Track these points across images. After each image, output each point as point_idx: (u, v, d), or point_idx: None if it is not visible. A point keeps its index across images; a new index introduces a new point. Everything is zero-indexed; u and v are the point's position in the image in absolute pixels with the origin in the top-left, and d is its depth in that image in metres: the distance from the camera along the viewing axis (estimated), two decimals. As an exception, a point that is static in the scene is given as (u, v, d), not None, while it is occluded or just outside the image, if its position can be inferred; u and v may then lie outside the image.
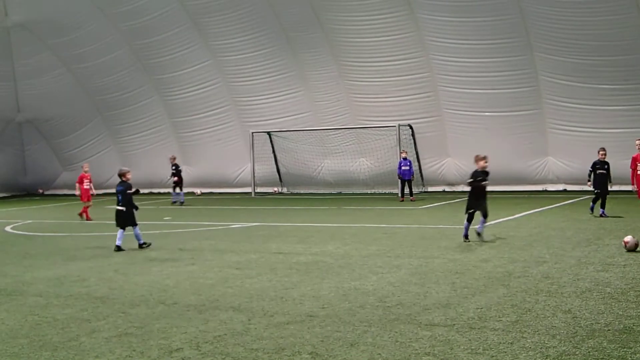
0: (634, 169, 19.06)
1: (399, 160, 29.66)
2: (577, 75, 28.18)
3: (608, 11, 26.39)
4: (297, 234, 18.30)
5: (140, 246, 16.36)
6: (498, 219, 19.90)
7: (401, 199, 29.01)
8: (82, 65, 37.53)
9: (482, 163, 16.00)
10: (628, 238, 13.49)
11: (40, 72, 38.52)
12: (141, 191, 21.05)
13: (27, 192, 43.21)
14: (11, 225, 23.36)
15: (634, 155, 18.73)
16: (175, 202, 31.26)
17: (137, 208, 16.80)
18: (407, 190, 29.05)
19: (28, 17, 36.49)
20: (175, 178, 31.26)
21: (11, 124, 40.93)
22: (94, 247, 17.02)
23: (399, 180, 29.48)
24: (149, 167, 39.06)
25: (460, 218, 20.77)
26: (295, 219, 22.81)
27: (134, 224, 16.56)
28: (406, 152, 29.84)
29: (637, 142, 18.23)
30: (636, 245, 13.29)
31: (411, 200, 28.32)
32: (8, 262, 14.98)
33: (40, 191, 42.83)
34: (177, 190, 31.34)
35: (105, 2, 34.70)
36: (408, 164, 29.18)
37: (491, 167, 33.57)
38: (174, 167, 31.62)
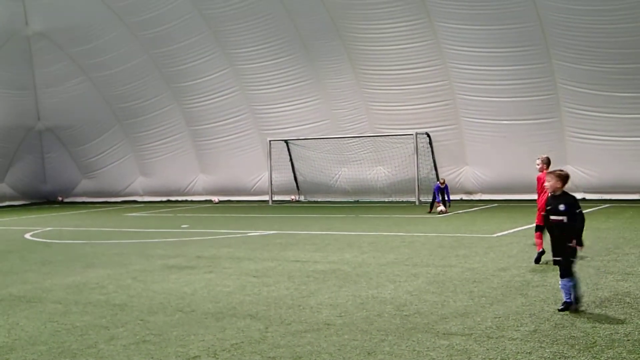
0: (540, 193, 14.18)
1: (436, 184, 27.81)
2: (596, 83, 28.03)
3: (627, 19, 26.25)
4: (314, 242, 18.30)
5: None
6: (516, 228, 19.81)
7: (430, 211, 27.19)
8: (102, 74, 37.80)
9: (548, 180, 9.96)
10: None
11: (60, 80, 38.84)
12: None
13: (46, 199, 43.51)
14: (31, 233, 23.52)
15: (538, 175, 14.36)
16: None
17: None
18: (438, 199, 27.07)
19: (48, 26, 36.84)
20: None
21: (31, 132, 41.26)
22: (113, 254, 17.09)
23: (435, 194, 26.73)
24: (167, 175, 39.26)
25: (478, 226, 20.74)
26: (313, 227, 22.81)
27: None
28: (445, 180, 27.94)
29: (538, 161, 14.52)
30: None
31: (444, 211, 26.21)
32: (27, 269, 15.08)
33: (60, 199, 43.12)
34: None
35: (124, 11, 34.95)
36: (446, 191, 27.10)
37: (509, 175, 33.37)
38: None
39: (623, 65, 27.25)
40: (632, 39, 26.54)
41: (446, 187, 26.82)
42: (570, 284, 9.41)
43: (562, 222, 9.46)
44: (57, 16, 36.28)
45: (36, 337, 9.04)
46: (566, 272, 9.44)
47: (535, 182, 14.31)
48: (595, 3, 26.41)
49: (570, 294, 9.40)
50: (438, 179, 30.41)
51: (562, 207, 9.43)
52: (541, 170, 14.12)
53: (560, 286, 9.59)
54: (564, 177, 9.68)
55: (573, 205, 9.48)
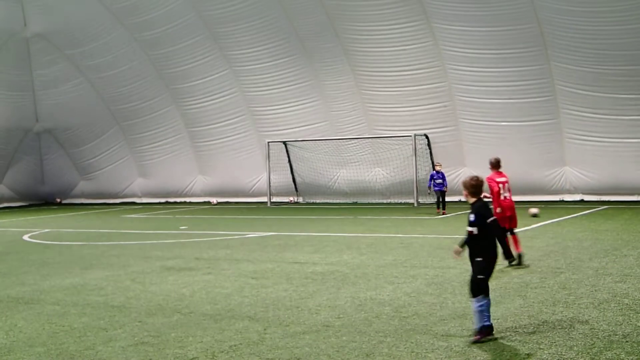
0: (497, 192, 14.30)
1: (431, 172, 28.22)
2: (595, 84, 28.04)
3: (625, 20, 26.26)
4: (313, 243, 18.30)
5: None
6: (515, 230, 19.77)
7: (438, 210, 27.03)
8: (100, 75, 37.80)
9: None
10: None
11: (58, 82, 38.85)
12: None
13: (45, 201, 43.49)
14: (29, 234, 23.51)
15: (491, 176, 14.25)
16: None
17: None
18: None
19: (47, 27, 36.84)
20: None
21: (30, 134, 41.24)
22: (111, 255, 17.09)
23: (432, 193, 27.27)
24: (165, 177, 39.26)
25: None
26: (311, 228, 22.82)
27: None
28: (440, 165, 28.37)
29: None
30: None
31: (443, 214, 26.46)
32: (26, 270, 15.07)
33: (58, 200, 43.09)
34: None
35: (123, 13, 34.95)
36: (441, 176, 27.49)
37: (508, 176, 33.42)
38: None
39: (621, 67, 27.26)
40: (631, 40, 26.56)
41: (441, 174, 27.04)
42: (477, 305, 8.29)
43: (472, 234, 8.54)
44: (55, 18, 36.29)
45: (34, 338, 9.04)
46: (474, 290, 8.39)
47: None
48: (594, 5, 26.42)
49: (486, 317, 8.27)
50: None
51: (471, 217, 8.52)
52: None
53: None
54: (468, 186, 8.76)
55: (483, 215, 8.51)
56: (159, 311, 10.41)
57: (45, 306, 11.12)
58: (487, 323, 8.27)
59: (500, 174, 14.27)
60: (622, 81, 27.51)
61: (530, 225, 21.03)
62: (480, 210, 8.57)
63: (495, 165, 14.20)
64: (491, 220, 8.51)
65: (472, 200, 8.72)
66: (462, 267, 13.09)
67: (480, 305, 8.27)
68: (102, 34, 36.14)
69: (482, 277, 8.36)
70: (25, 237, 22.55)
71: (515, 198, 32.16)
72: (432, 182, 27.01)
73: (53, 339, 8.95)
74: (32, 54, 38.16)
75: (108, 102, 38.86)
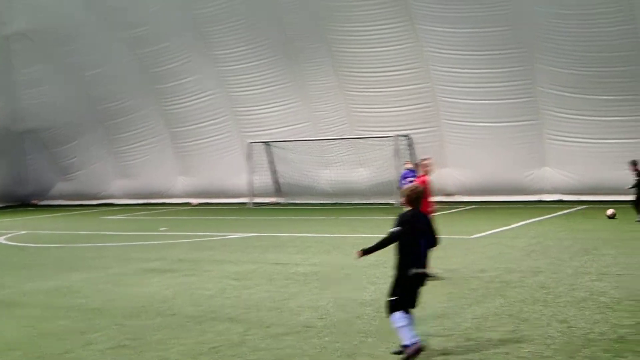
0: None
1: (402, 171, 28.79)
2: (576, 86, 28.19)
3: (606, 23, 26.40)
4: (295, 244, 18.29)
5: None
6: (495, 229, 19.92)
7: None
8: (82, 74, 37.45)
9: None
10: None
11: (40, 80, 38.43)
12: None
13: (22, 202, 42.88)
14: (5, 236, 23.26)
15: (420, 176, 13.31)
16: None
17: None
18: None
19: (28, 25, 36.48)
20: None
21: (11, 133, 40.83)
22: (91, 257, 16.99)
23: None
24: (146, 177, 39.04)
25: (457, 228, 20.81)
26: (294, 229, 22.81)
27: None
28: (409, 163, 28.73)
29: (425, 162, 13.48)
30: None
31: None
32: (4, 273, 14.96)
33: (35, 202, 42.63)
34: None
35: (106, 11, 34.71)
36: (412, 175, 27.96)
37: (489, 177, 33.84)
38: None
39: (602, 68, 27.41)
40: (611, 43, 26.69)
41: (413, 172, 27.08)
42: (394, 323, 7.66)
43: None
44: (37, 16, 35.94)
45: (12, 342, 8.98)
46: (388, 308, 7.80)
47: None
48: (576, 8, 26.54)
49: (408, 335, 7.51)
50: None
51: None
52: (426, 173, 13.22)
53: None
54: (404, 195, 8.10)
55: (395, 225, 7.85)
56: (140, 313, 10.37)
57: (24, 309, 11.04)
58: (407, 343, 7.53)
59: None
60: (602, 82, 27.66)
61: (510, 224, 21.16)
62: (396, 220, 7.92)
63: (420, 166, 13.51)
64: (391, 230, 7.89)
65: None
66: (443, 267, 13.13)
67: (395, 326, 7.65)
68: (84, 32, 35.82)
69: (394, 297, 7.73)
70: (1, 240, 22.36)
71: (495, 198, 32.61)
72: (404, 180, 27.28)
73: (32, 342, 8.90)
74: (13, 53, 37.78)
75: (90, 101, 38.51)
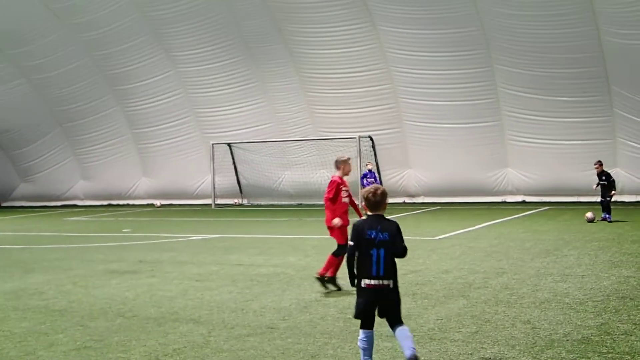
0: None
1: (363, 172, 29.45)
2: (536, 87, 28.52)
3: (566, 24, 26.72)
4: (257, 245, 18.23)
5: None
6: (458, 230, 20.04)
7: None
8: (42, 76, 37.02)
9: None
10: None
11: (-1, 82, 37.95)
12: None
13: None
14: (-33, 238, 22.93)
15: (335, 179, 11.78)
16: None
17: None
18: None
19: (-15, 26, 35.98)
20: None
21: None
22: (53, 259, 16.78)
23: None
24: (108, 179, 38.72)
25: (421, 229, 20.92)
26: (256, 230, 22.74)
27: None
28: (371, 164, 29.59)
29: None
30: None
31: None
32: (-37, 275, 14.70)
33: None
34: None
35: (65, 12, 34.32)
36: (373, 176, 28.76)
37: (451, 178, 34.28)
38: None
39: (563, 70, 27.76)
40: (571, 44, 27.03)
41: (372, 173, 27.26)
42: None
43: None
44: (-5, 16, 35.48)
45: (-28, 344, 8.82)
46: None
47: None
48: (536, 9, 26.85)
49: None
50: (381, 183, 30.57)
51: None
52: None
53: None
54: (364, 199, 7.32)
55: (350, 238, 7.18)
56: (102, 315, 10.26)
57: (-17, 311, 10.86)
58: None
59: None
60: (563, 84, 28.02)
61: (474, 225, 21.31)
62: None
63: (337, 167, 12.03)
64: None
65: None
66: (407, 268, 13.18)
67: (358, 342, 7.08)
68: (43, 33, 35.36)
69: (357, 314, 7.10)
70: (-37, 241, 21.99)
71: (459, 199, 32.89)
72: (365, 180, 27.83)
73: (-9, 345, 8.75)
74: (-30, 54, 37.26)
75: (50, 103, 38.13)
